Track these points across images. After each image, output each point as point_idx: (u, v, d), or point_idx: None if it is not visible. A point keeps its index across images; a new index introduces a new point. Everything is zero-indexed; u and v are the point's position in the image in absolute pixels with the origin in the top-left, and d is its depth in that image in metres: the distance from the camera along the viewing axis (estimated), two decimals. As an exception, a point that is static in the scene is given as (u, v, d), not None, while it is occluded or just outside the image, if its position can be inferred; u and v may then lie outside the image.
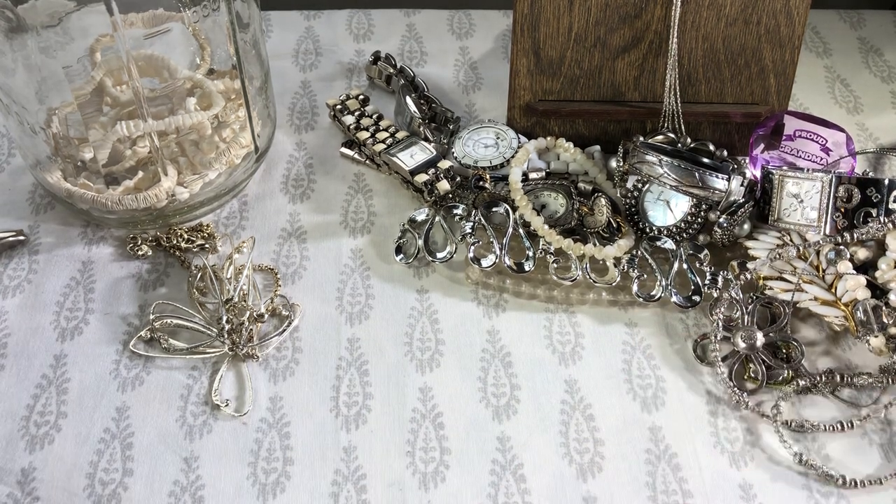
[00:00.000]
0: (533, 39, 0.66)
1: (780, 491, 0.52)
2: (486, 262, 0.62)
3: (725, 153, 0.67)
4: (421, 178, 0.66)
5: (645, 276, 0.61)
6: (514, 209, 0.64)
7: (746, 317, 0.58)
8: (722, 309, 0.58)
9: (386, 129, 0.71)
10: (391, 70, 0.77)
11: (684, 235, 0.63)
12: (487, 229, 0.63)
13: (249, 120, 0.66)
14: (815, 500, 0.52)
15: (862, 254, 0.59)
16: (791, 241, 0.61)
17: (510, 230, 0.63)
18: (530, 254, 0.62)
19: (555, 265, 0.62)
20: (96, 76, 0.61)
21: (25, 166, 0.68)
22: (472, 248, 0.62)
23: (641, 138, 0.66)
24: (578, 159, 0.69)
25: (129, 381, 0.57)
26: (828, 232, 0.59)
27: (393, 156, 0.67)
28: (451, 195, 0.66)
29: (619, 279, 0.61)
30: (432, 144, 0.69)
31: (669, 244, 0.63)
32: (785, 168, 0.62)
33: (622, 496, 0.52)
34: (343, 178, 0.70)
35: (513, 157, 0.67)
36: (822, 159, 0.65)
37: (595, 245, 0.63)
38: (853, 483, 0.52)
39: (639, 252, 0.62)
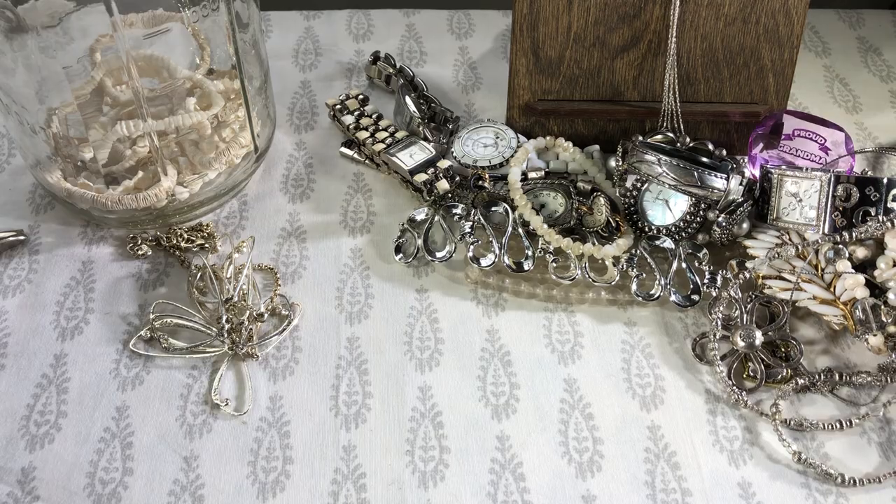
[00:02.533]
0: (532, 39, 0.66)
1: (778, 489, 0.52)
2: (485, 262, 0.62)
3: (724, 152, 0.67)
4: (420, 177, 0.66)
5: (644, 275, 0.61)
6: (514, 208, 0.64)
7: (745, 316, 0.58)
8: (721, 308, 0.58)
9: (385, 129, 0.71)
10: (390, 70, 0.77)
11: (683, 234, 0.63)
12: (487, 229, 0.63)
13: (249, 120, 0.66)
14: (814, 498, 0.52)
15: (861, 252, 0.59)
16: (790, 240, 0.61)
17: (509, 229, 0.63)
18: (529, 253, 0.62)
19: (554, 264, 0.62)
20: (96, 76, 0.61)
21: (25, 166, 0.69)
22: (472, 247, 0.62)
23: (640, 138, 0.66)
24: (577, 159, 0.69)
25: (129, 380, 0.57)
26: (826, 231, 0.59)
27: (392, 155, 0.68)
28: (450, 195, 0.66)
29: (618, 278, 0.61)
30: (431, 144, 0.69)
31: (668, 243, 0.63)
32: (784, 167, 0.62)
33: (621, 495, 0.52)
34: (342, 177, 0.71)
35: (512, 156, 0.67)
36: (820, 158, 0.66)
37: (594, 244, 0.63)
38: (852, 481, 0.52)
39: (638, 251, 0.62)
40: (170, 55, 0.62)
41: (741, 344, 0.57)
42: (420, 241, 0.64)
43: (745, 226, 0.62)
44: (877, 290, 0.58)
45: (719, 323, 0.58)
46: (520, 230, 0.63)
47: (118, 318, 0.60)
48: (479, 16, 0.86)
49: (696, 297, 0.60)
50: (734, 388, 0.56)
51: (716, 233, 0.62)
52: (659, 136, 0.67)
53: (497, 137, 0.69)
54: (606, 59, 0.67)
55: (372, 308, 0.61)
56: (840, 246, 0.59)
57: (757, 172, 0.65)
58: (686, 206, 0.63)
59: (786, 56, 0.66)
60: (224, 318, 0.59)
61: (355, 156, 0.71)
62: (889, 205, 0.58)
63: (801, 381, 0.56)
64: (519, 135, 0.69)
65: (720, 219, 0.61)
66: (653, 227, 0.64)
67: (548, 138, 0.69)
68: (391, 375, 0.58)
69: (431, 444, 0.54)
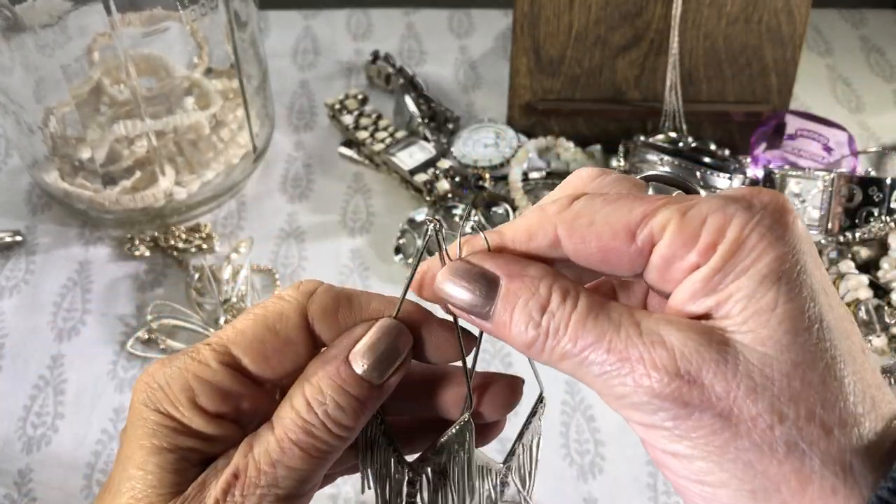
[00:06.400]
0: (533, 38, 0.65)
1: (782, 492, 0.52)
2: (485, 262, 0.61)
3: (727, 152, 0.67)
4: (420, 177, 0.65)
5: (646, 276, 0.61)
6: (515, 209, 0.64)
7: (748, 317, 0.58)
8: (723, 309, 0.58)
9: (385, 129, 0.70)
10: (390, 69, 0.77)
11: (685, 235, 0.63)
12: (487, 229, 0.63)
13: (247, 119, 0.65)
14: (818, 501, 0.51)
15: (864, 253, 0.59)
16: (793, 240, 0.61)
17: (510, 230, 0.63)
18: (530, 254, 0.62)
19: (555, 265, 0.61)
20: (94, 75, 0.61)
21: (23, 167, 0.68)
22: (472, 247, 0.62)
23: (642, 137, 0.66)
24: (579, 158, 0.68)
25: (126, 381, 0.57)
26: (830, 231, 0.59)
27: (392, 155, 0.67)
28: (450, 195, 0.66)
29: (619, 279, 0.61)
30: (432, 144, 0.69)
31: (670, 244, 0.62)
32: (787, 167, 0.62)
33: (623, 497, 0.52)
34: (342, 178, 0.70)
35: (513, 156, 0.67)
36: (823, 158, 0.65)
37: (595, 245, 0.62)
38: (856, 484, 0.52)
39: (639, 252, 0.62)
40: (168, 54, 0.62)
41: (744, 345, 0.56)
42: (420, 242, 0.63)
43: (747, 226, 0.62)
44: (880, 291, 0.58)
45: (722, 324, 0.57)
46: (520, 230, 0.63)
47: (115, 319, 0.60)
48: (479, 14, 0.86)
49: (698, 298, 0.60)
50: (737, 389, 0.56)
51: (718, 233, 0.61)
52: (661, 136, 0.67)
53: (498, 137, 0.69)
54: (608, 58, 0.66)
55: (371, 309, 0.61)
56: (843, 246, 0.59)
57: (760, 172, 0.65)
58: (688, 206, 0.63)
59: (788, 55, 0.65)
60: (222, 319, 0.59)
61: (355, 156, 0.71)
62: (892, 205, 0.57)
63: (804, 383, 0.56)
64: (520, 134, 0.69)
65: (722, 219, 0.61)
66: (654, 228, 0.63)
67: (549, 138, 0.69)
68: (391, 377, 0.57)
69: (431, 447, 0.54)
